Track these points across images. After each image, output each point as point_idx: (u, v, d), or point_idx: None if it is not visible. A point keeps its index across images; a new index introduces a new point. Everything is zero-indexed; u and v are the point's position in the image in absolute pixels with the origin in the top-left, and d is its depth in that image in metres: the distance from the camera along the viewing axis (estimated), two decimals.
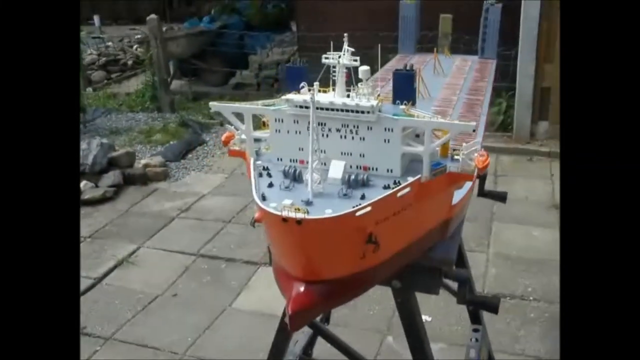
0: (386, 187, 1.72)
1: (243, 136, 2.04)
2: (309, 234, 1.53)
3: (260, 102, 1.97)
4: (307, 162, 1.75)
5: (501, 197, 2.52)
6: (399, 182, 1.73)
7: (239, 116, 2.02)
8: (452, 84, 2.82)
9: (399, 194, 1.63)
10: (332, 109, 1.75)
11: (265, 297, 4.54)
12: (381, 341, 4.01)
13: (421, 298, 4.85)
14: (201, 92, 10.19)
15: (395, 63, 3.27)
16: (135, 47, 12.59)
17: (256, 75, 10.36)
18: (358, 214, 1.54)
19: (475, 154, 1.74)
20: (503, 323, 4.12)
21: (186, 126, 8.25)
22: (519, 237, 5.11)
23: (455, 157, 1.78)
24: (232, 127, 2.07)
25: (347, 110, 1.77)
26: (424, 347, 2.17)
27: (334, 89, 1.87)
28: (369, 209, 1.55)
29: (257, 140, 2.05)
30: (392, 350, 3.96)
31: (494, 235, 5.21)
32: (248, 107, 1.94)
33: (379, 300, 4.48)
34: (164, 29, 9.71)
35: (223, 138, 2.07)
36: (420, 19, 3.60)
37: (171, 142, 7.69)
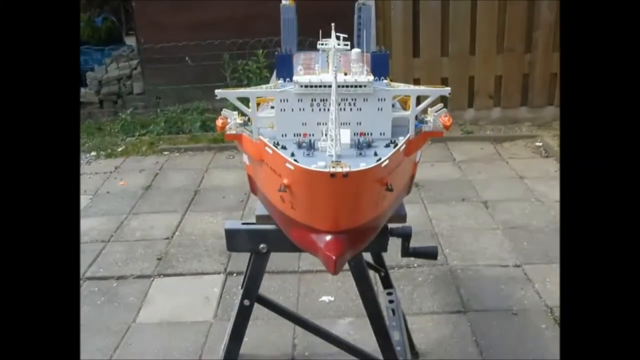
0: (387, 146, 1.99)
1: (237, 120, 2.14)
2: (352, 185, 1.74)
3: (263, 86, 2.11)
4: (310, 135, 1.95)
5: (432, 254, 2.59)
6: (394, 141, 2.01)
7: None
8: None
9: (400, 149, 1.91)
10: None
11: (168, 307, 4.50)
12: (294, 325, 4.19)
13: (319, 281, 5.13)
14: None
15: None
16: None
17: (97, 92, 9.89)
18: (383, 165, 1.78)
19: (440, 116, 2.09)
20: (397, 290, 4.55)
21: None
22: None
23: (427, 119, 2.11)
24: (225, 113, 2.16)
25: (347, 86, 1.99)
26: (378, 306, 2.44)
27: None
28: (387, 161, 1.81)
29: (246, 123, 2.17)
30: (307, 332, 4.18)
31: None
32: (253, 92, 2.08)
33: (279, 291, 4.69)
34: None
35: (219, 124, 2.15)
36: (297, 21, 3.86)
37: None
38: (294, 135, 2.09)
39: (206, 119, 8.37)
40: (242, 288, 3.50)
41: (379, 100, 2.06)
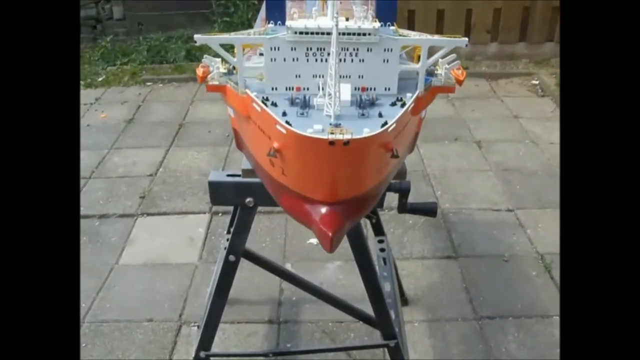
0: (393, 104, 1.76)
1: (221, 69, 1.90)
2: (353, 154, 1.54)
3: (250, 30, 1.85)
4: (304, 89, 1.71)
5: (431, 211, 2.49)
6: (400, 98, 1.78)
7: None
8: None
9: (408, 109, 1.70)
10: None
11: (152, 248, 4.38)
12: None
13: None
14: None
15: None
16: None
17: None
18: (389, 130, 1.57)
19: (452, 69, 1.86)
20: (388, 233, 4.46)
21: None
22: None
23: (437, 72, 1.88)
24: (206, 61, 1.92)
25: (349, 34, 1.74)
26: (370, 260, 2.32)
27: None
28: (394, 125, 1.60)
29: (230, 72, 1.92)
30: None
31: None
32: (239, 38, 1.80)
33: (266, 232, 4.58)
34: None
35: (200, 73, 1.90)
36: None
37: None
38: (286, 89, 1.83)
39: (191, 48, 7.99)
40: (227, 233, 3.37)
41: (385, 50, 1.79)
